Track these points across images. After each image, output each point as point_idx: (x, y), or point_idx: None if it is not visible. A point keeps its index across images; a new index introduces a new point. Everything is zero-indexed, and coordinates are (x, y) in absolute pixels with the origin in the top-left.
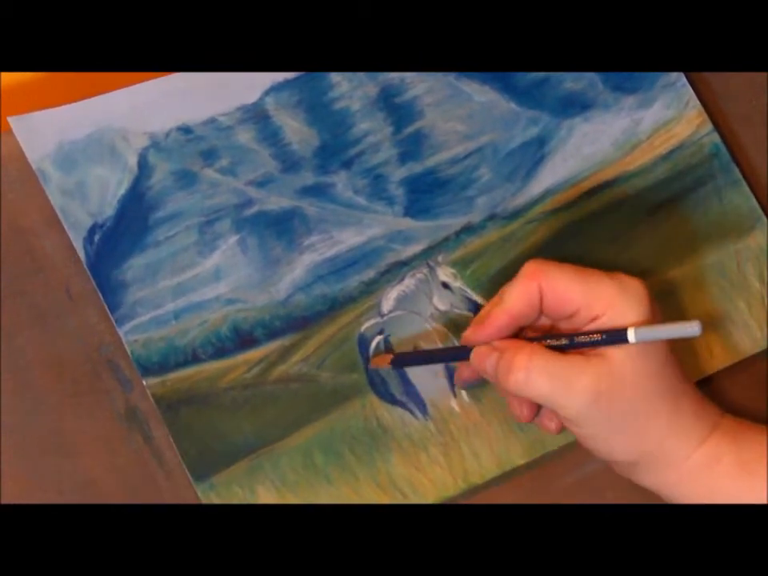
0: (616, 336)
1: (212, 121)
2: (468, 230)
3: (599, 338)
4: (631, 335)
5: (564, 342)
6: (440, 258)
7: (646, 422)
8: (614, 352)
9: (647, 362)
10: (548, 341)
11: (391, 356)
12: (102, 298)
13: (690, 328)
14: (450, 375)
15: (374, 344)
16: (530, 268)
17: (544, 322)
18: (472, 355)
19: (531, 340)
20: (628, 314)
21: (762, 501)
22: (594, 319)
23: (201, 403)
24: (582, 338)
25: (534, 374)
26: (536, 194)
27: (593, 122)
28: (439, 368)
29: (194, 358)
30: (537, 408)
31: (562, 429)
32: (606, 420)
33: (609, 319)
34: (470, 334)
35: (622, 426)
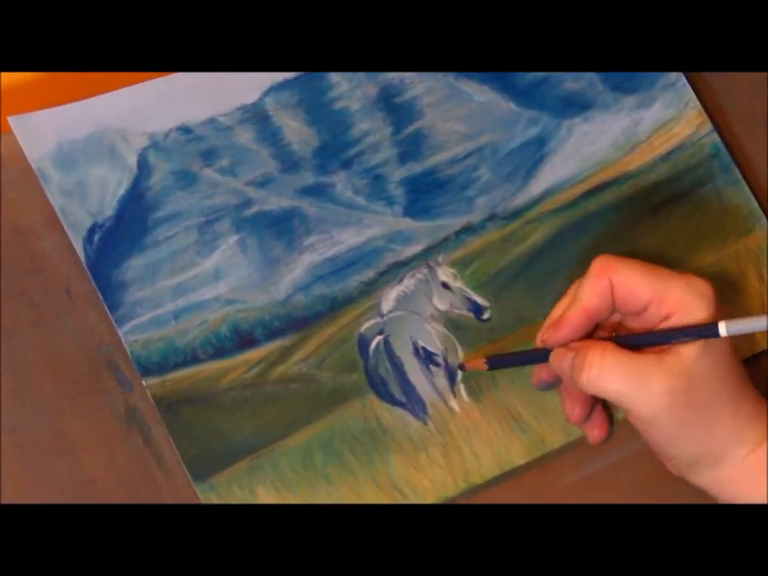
0: (707, 330)
1: (212, 121)
2: (468, 230)
3: (690, 331)
4: (722, 329)
5: (642, 336)
6: (440, 258)
7: (713, 422)
8: (687, 351)
9: (717, 361)
10: (624, 337)
11: (485, 358)
12: (101, 298)
13: None
14: (451, 375)
15: (373, 344)
16: (599, 264)
17: (616, 318)
18: (551, 356)
19: (615, 340)
20: (697, 312)
21: None
22: (665, 317)
23: (200, 403)
24: (671, 334)
25: (607, 371)
26: (536, 194)
27: (593, 122)
28: (439, 368)
29: (193, 358)
30: (588, 411)
31: (603, 440)
32: (678, 420)
33: (680, 317)
34: (546, 336)
35: (691, 425)
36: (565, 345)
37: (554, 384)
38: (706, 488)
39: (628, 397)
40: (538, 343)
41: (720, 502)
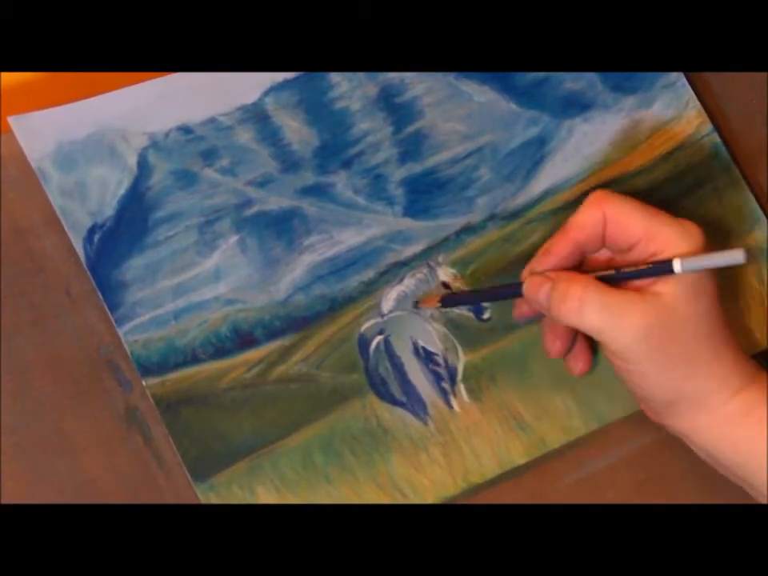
0: (663, 266)
1: (212, 121)
2: (468, 230)
3: (646, 268)
4: (677, 265)
5: (613, 272)
6: (440, 258)
7: (691, 363)
8: (667, 290)
9: (698, 302)
10: (598, 273)
11: (439, 296)
12: (101, 298)
13: (733, 256)
14: (451, 375)
15: (373, 344)
16: (596, 196)
17: (602, 254)
18: (525, 285)
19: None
20: (683, 252)
21: None
22: (652, 255)
23: (200, 403)
24: (631, 269)
25: (588, 305)
26: (536, 194)
27: (593, 122)
28: (439, 368)
29: (193, 358)
30: (569, 345)
31: (586, 372)
32: (654, 357)
33: (667, 256)
34: (535, 264)
35: (668, 364)
36: (542, 274)
37: (536, 318)
38: (683, 433)
39: (606, 330)
40: (525, 274)
41: (695, 449)
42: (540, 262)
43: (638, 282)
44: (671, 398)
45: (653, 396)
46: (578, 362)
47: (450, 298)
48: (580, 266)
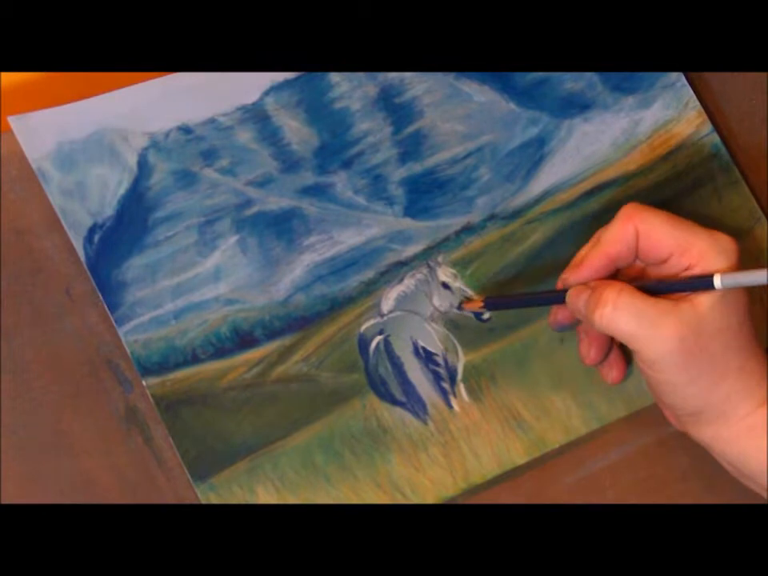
0: (703, 281)
1: (212, 121)
2: (468, 230)
3: (687, 282)
4: (717, 281)
5: (653, 283)
6: (440, 258)
7: (717, 376)
8: (701, 301)
9: (731, 315)
10: (636, 282)
11: (482, 298)
12: (101, 298)
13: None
14: (451, 376)
15: (373, 344)
16: (628, 210)
17: (638, 265)
18: (568, 294)
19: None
20: (718, 265)
21: None
22: (686, 269)
23: (200, 403)
24: (670, 281)
25: (621, 310)
26: (536, 194)
27: (592, 123)
28: (439, 368)
29: (193, 358)
30: (605, 353)
31: (620, 381)
32: (684, 367)
33: (701, 270)
34: (567, 276)
35: (697, 374)
36: (584, 284)
37: (570, 326)
38: (706, 443)
39: (638, 338)
40: (559, 285)
41: (718, 458)
42: (573, 274)
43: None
44: (697, 408)
45: (679, 405)
46: (612, 370)
47: (492, 302)
48: (614, 277)
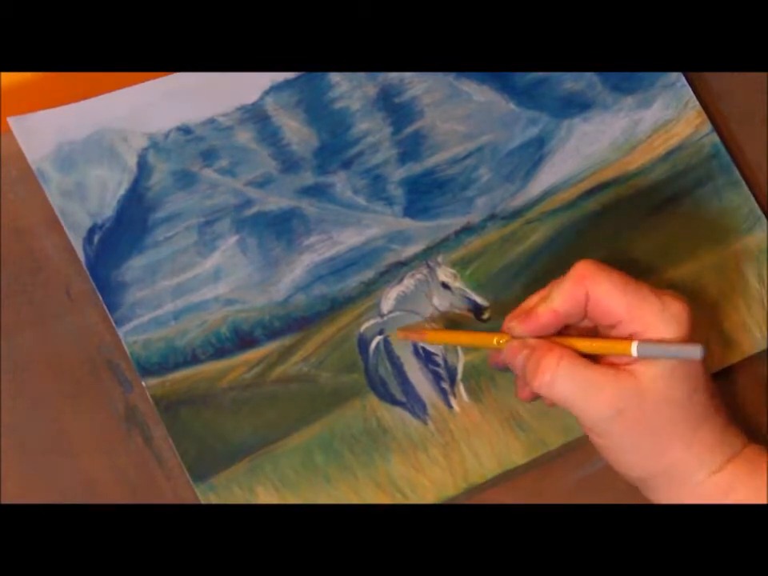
0: (622, 347)
1: (212, 121)
2: (468, 230)
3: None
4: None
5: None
6: (440, 258)
7: (663, 445)
8: (643, 371)
9: (677, 386)
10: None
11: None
12: (101, 298)
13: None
14: (450, 376)
15: (373, 344)
16: (581, 271)
17: (587, 324)
18: (505, 349)
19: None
20: (665, 335)
21: None
22: (632, 335)
23: (200, 404)
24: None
25: (560, 378)
26: (535, 194)
27: (592, 122)
28: (439, 368)
29: (193, 359)
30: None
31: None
32: (624, 436)
33: (645, 337)
34: (515, 325)
35: (638, 444)
36: (522, 340)
37: (507, 369)
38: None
39: (575, 405)
40: (504, 328)
41: None
42: (519, 324)
43: (615, 358)
44: (643, 474)
45: (625, 471)
46: (546, 401)
47: (432, 336)
48: (560, 331)
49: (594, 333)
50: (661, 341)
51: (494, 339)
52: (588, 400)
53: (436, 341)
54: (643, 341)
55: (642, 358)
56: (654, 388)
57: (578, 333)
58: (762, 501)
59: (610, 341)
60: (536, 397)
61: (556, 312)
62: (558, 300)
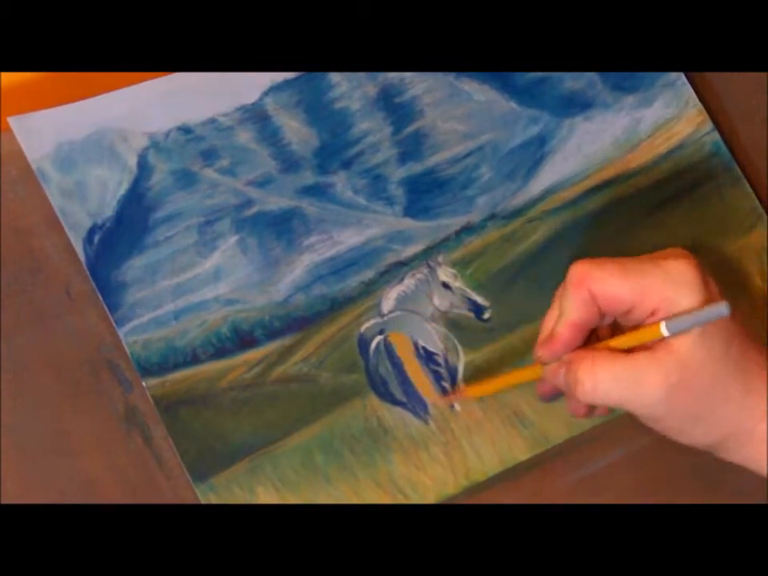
0: (652, 333)
1: (212, 121)
2: (468, 229)
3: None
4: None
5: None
6: (440, 258)
7: (718, 407)
8: (679, 343)
9: (712, 347)
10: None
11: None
12: (101, 298)
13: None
14: (451, 375)
15: (374, 344)
16: (575, 275)
17: (608, 320)
18: (545, 374)
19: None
20: (683, 302)
21: None
22: (653, 313)
23: (200, 404)
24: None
25: (601, 382)
26: (536, 193)
27: (593, 121)
28: (439, 368)
29: (193, 359)
30: (592, 407)
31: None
32: (682, 412)
33: (666, 312)
34: (542, 354)
35: (697, 414)
36: (558, 361)
37: (558, 394)
38: (743, 465)
39: (627, 401)
40: (537, 361)
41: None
42: (546, 351)
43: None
44: (710, 442)
45: (694, 443)
46: (601, 411)
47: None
48: (590, 336)
49: (617, 326)
50: (682, 311)
51: (532, 371)
52: (636, 391)
53: (477, 394)
54: (670, 318)
55: (673, 335)
56: (693, 355)
57: (604, 332)
58: None
59: (639, 330)
60: (591, 410)
61: (574, 324)
62: (570, 311)
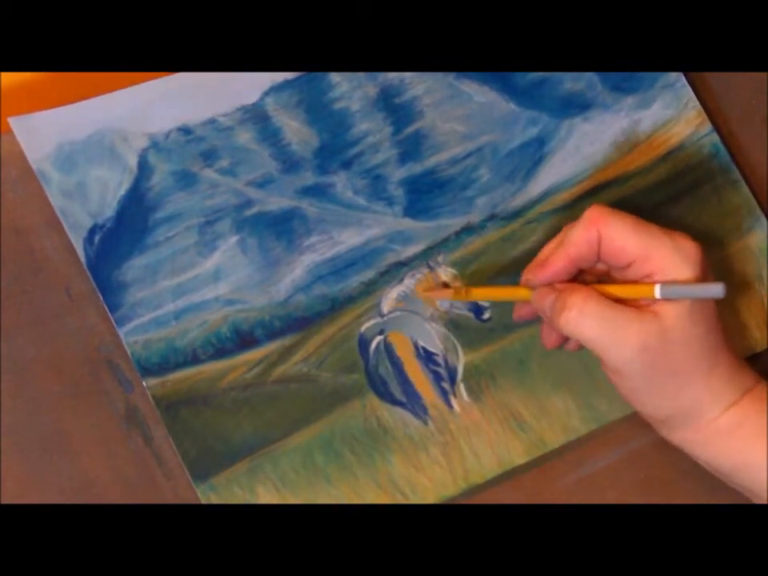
0: (645, 290)
1: (212, 121)
2: (468, 230)
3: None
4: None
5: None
6: (440, 258)
7: (683, 383)
8: (667, 311)
9: (696, 326)
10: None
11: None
12: (101, 298)
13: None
14: (451, 376)
15: (374, 344)
16: (593, 213)
17: (600, 267)
18: (533, 295)
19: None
20: (681, 275)
21: None
22: (648, 275)
23: (201, 403)
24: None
25: (586, 316)
26: (536, 194)
27: (592, 122)
28: (439, 368)
29: (193, 359)
30: (564, 339)
31: (578, 348)
32: (647, 375)
33: (661, 278)
34: (530, 276)
35: (660, 383)
36: (550, 285)
37: (534, 321)
38: (680, 446)
39: (601, 344)
40: (523, 282)
41: (694, 458)
42: (536, 275)
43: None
44: (663, 413)
45: (646, 411)
46: (570, 346)
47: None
48: (575, 277)
49: (607, 277)
50: (677, 281)
51: (521, 291)
52: (614, 339)
53: (461, 297)
54: (666, 282)
55: (665, 299)
56: (676, 327)
57: (592, 278)
58: (763, 438)
59: (634, 285)
60: (561, 342)
61: (569, 256)
62: (571, 245)
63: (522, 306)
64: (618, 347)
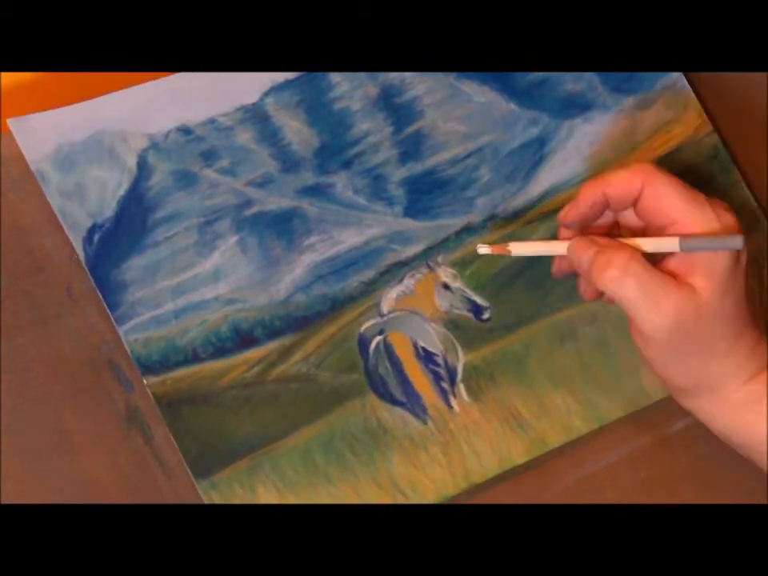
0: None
1: (212, 121)
2: (468, 230)
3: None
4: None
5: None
6: (440, 258)
7: (708, 353)
8: (704, 287)
9: (726, 298)
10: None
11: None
12: (101, 298)
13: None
14: (450, 376)
15: (373, 344)
16: (643, 166)
17: (638, 224)
18: (570, 245)
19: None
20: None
21: None
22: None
23: (201, 402)
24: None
25: (629, 277)
26: (536, 194)
27: (593, 123)
28: (439, 368)
29: (194, 357)
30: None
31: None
32: (675, 346)
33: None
34: (563, 215)
35: (687, 355)
36: (588, 237)
37: (571, 277)
38: (696, 415)
39: (636, 308)
40: (559, 218)
41: (714, 431)
42: (568, 209)
43: (673, 268)
44: (685, 383)
45: (668, 379)
46: (608, 299)
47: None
48: (610, 232)
49: (641, 234)
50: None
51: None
52: (651, 305)
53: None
54: (686, 235)
55: (685, 251)
56: (710, 303)
57: (627, 233)
58: None
59: (656, 237)
60: (599, 295)
61: (605, 192)
62: (611, 182)
63: (561, 260)
64: (654, 315)
